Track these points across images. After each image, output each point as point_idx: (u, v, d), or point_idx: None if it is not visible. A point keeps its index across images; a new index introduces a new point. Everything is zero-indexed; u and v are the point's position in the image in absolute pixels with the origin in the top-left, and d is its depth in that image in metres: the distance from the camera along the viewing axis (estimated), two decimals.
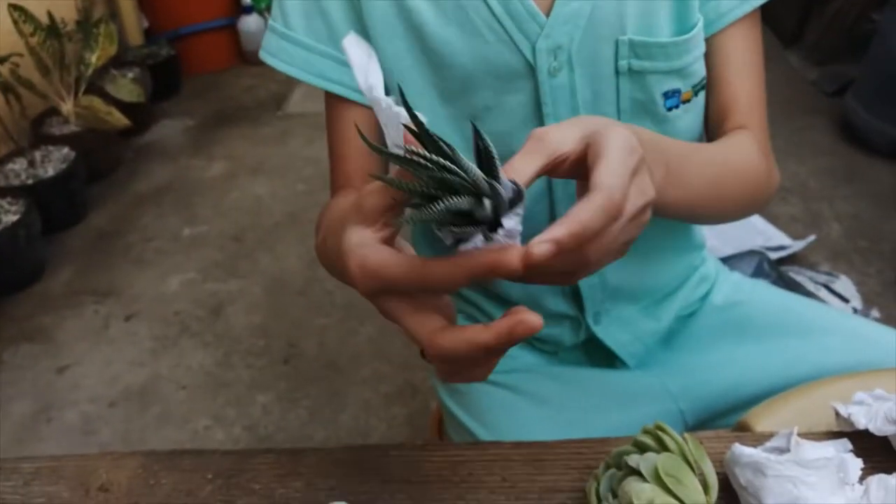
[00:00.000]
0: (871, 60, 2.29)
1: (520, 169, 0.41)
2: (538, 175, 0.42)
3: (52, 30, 2.25)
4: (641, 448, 0.48)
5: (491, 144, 0.37)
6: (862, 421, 0.53)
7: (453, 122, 0.69)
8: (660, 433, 0.48)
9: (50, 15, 2.24)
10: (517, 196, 0.37)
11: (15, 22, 2.16)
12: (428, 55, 0.66)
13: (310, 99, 2.98)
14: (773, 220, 2.00)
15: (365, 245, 0.42)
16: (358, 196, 0.43)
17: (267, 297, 2.01)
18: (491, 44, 0.64)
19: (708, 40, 0.67)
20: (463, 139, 0.69)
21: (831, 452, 0.50)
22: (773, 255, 1.80)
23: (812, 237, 1.92)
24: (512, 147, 0.69)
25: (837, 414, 0.56)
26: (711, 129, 0.73)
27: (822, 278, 1.71)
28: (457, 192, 0.35)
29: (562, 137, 0.43)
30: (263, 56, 0.70)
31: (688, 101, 0.69)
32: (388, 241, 0.43)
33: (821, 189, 2.17)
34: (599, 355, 0.83)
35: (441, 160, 0.35)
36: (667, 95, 0.67)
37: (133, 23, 2.89)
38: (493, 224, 0.37)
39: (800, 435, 0.52)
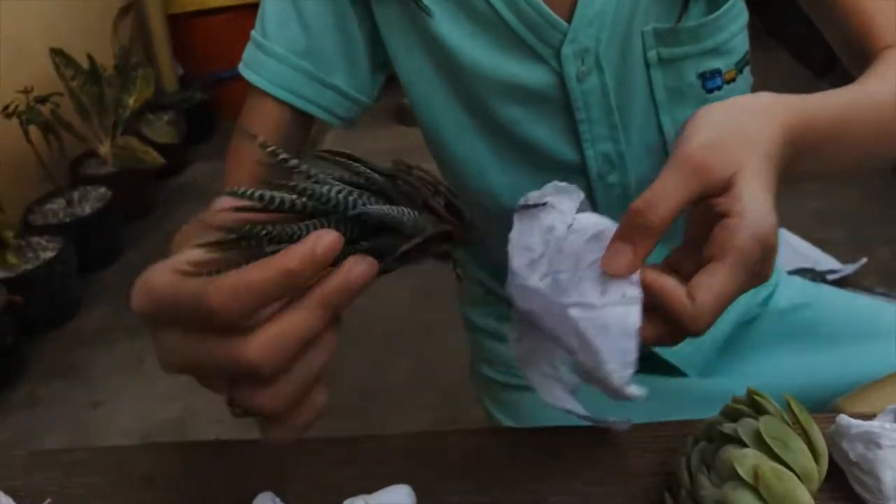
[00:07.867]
0: None
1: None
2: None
3: (93, 74, 2.29)
4: (734, 417, 0.43)
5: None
6: None
7: (482, 135, 0.67)
8: (756, 397, 0.43)
9: (91, 59, 2.28)
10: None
11: (56, 66, 2.21)
12: (449, 69, 0.64)
13: (342, 141, 3.00)
14: (819, 244, 1.93)
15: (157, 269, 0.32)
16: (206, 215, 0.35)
17: None
18: (513, 57, 0.61)
19: None
20: (491, 151, 0.67)
21: None
22: None
23: (864, 260, 1.85)
24: (550, 156, 0.65)
25: None
26: (850, 60, 0.63)
27: (881, 299, 1.63)
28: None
29: (665, 202, 0.40)
30: (241, 69, 0.67)
31: (732, 80, 0.64)
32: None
33: (868, 213, 2.11)
34: (657, 364, 0.78)
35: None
36: (705, 77, 0.63)
37: (168, 68, 2.95)
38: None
39: None
